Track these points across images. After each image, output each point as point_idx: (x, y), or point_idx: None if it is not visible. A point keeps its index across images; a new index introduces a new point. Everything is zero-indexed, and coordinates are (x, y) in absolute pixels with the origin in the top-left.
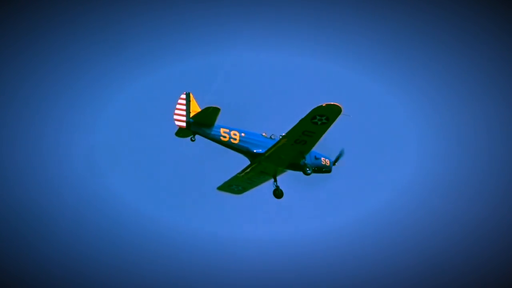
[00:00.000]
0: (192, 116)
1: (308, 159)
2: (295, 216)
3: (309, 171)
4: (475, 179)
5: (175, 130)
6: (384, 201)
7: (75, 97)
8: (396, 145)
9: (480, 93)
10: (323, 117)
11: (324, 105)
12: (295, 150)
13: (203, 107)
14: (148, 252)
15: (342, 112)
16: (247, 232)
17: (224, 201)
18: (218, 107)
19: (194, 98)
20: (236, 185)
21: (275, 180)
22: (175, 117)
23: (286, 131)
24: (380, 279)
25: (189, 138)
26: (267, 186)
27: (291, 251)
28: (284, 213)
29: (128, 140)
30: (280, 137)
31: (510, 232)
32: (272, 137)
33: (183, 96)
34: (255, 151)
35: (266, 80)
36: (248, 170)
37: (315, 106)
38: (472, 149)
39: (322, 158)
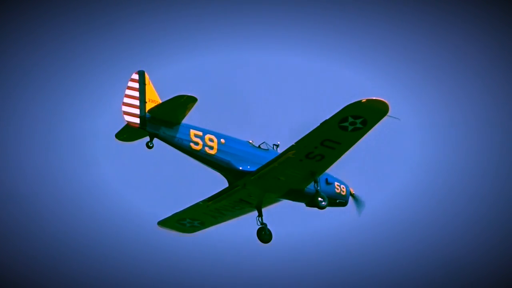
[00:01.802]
0: (150, 110)
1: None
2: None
3: (323, 203)
4: (477, 180)
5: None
6: (383, 201)
7: (71, 99)
8: (395, 145)
9: (481, 93)
10: (358, 120)
11: (364, 100)
12: (303, 170)
13: (168, 95)
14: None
15: (387, 114)
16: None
17: None
18: (194, 96)
19: (151, 81)
20: (192, 219)
21: (260, 214)
22: (124, 108)
23: (281, 139)
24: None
25: (133, 142)
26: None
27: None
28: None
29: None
30: (274, 147)
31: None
32: (263, 146)
33: (135, 76)
34: (240, 168)
35: (255, 81)
36: (221, 196)
37: (350, 103)
38: (473, 150)
39: (336, 184)
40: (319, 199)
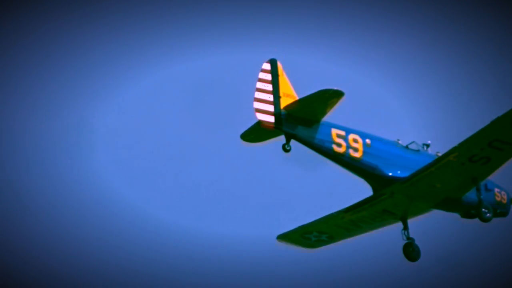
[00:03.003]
0: (287, 106)
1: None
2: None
3: (488, 215)
4: None
5: (246, 129)
6: None
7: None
8: None
9: (483, 94)
10: None
11: None
12: (464, 175)
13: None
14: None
15: None
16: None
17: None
18: (341, 90)
19: (284, 71)
20: (320, 232)
21: (405, 227)
22: (256, 105)
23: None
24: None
25: (262, 143)
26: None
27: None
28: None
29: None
30: (425, 147)
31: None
32: (412, 147)
33: (266, 66)
34: (390, 174)
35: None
36: (362, 207)
37: None
38: None
39: (496, 190)
40: (483, 210)
